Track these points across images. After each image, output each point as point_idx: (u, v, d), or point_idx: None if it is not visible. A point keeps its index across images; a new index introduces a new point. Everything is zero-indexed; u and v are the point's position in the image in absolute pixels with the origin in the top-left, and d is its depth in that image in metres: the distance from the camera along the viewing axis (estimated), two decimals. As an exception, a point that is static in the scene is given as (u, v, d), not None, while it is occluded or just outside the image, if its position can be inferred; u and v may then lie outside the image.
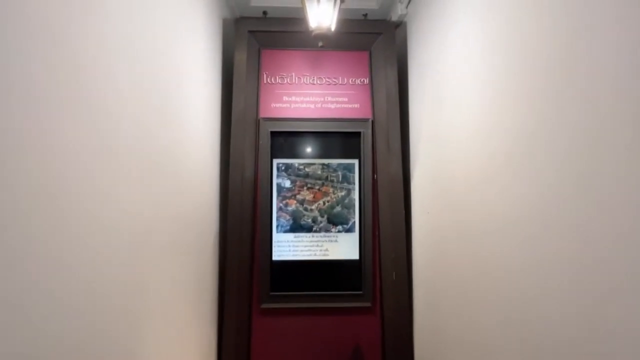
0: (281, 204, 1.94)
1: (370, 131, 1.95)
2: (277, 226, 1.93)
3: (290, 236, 1.93)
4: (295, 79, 1.97)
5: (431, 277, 1.69)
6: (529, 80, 0.90)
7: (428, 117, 1.71)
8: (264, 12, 2.02)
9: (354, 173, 1.97)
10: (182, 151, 1.34)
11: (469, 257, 1.27)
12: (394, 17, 2.03)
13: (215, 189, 1.83)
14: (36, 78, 0.60)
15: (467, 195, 1.31)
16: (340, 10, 1.52)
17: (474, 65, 1.24)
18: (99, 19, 0.78)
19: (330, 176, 1.97)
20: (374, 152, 1.94)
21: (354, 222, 1.95)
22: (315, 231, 1.94)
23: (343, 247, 1.94)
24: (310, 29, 1.53)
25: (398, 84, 1.94)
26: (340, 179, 1.97)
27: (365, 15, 2.06)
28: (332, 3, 1.44)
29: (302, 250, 1.92)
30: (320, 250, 1.93)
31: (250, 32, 1.90)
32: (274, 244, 1.91)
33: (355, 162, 1.98)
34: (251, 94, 1.92)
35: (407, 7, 2.00)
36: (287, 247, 1.92)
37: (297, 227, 1.93)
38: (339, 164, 1.97)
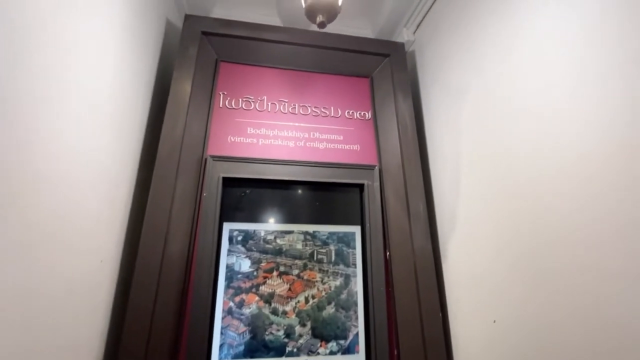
0: (232, 303, 1.10)
1: (377, 184, 1.29)
2: (222, 347, 1.05)
3: (245, 366, 1.05)
4: (267, 105, 1.33)
5: None
6: None
7: (474, 158, 1.10)
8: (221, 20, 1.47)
9: (354, 248, 1.24)
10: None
11: None
12: (399, 44, 1.58)
13: (108, 277, 0.98)
14: None
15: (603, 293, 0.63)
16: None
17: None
18: None
19: (318, 253, 1.21)
20: (385, 215, 1.25)
21: (357, 334, 1.14)
22: (292, 354, 1.08)
23: (339, 383, 1.08)
24: None
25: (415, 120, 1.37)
26: (333, 259, 1.22)
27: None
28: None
29: (264, 395, 1.03)
30: (299, 393, 1.05)
31: (205, 34, 1.30)
32: (211, 383, 1.01)
33: (356, 230, 1.26)
34: (197, 120, 1.23)
35: (414, 33, 1.57)
36: (237, 389, 1.02)
37: (257, 347, 1.07)
38: (332, 234, 1.24)
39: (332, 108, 1.39)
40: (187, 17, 1.31)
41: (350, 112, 1.40)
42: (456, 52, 1.23)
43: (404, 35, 1.57)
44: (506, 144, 0.95)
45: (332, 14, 0.94)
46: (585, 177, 0.71)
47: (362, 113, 1.41)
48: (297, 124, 1.33)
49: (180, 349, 1.00)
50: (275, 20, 1.62)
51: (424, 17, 1.50)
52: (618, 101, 0.66)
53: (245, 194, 1.23)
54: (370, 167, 1.31)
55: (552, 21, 0.83)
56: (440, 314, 1.15)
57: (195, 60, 1.27)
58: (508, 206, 0.93)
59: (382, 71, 1.45)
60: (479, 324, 1.03)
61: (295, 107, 1.35)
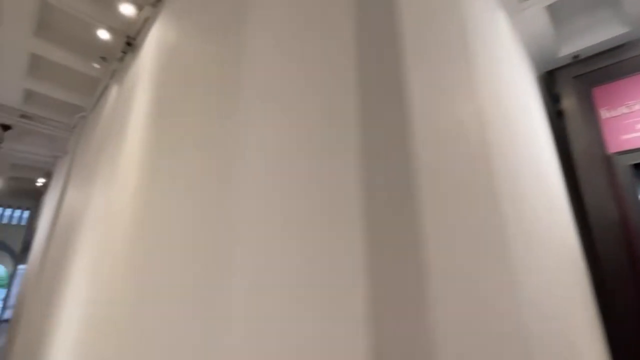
0: (673, 245, 1.64)
1: None
2: (676, 272, 1.62)
3: None
4: (646, 102, 1.77)
5: None
6: None
7: None
8: (575, 57, 2.02)
9: None
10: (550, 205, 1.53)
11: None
12: None
13: (572, 234, 1.85)
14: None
15: None
16: None
17: None
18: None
19: None
20: None
21: None
22: None
23: None
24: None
25: None
26: None
27: None
28: None
29: None
30: None
31: (574, 77, 1.96)
32: (676, 293, 1.61)
33: None
34: (590, 133, 1.89)
35: None
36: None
37: None
38: None
39: None
40: (557, 72, 2.03)
41: None
42: None
43: None
44: None
45: None
46: None
47: None
48: (687, 107, 1.65)
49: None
50: (617, 24, 1.95)
51: None
52: None
53: (653, 172, 1.73)
54: None
55: None
56: None
57: (576, 94, 1.95)
58: None
59: None
60: None
61: (680, 94, 1.68)
